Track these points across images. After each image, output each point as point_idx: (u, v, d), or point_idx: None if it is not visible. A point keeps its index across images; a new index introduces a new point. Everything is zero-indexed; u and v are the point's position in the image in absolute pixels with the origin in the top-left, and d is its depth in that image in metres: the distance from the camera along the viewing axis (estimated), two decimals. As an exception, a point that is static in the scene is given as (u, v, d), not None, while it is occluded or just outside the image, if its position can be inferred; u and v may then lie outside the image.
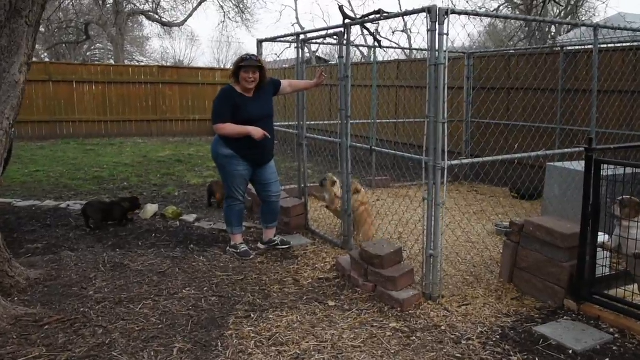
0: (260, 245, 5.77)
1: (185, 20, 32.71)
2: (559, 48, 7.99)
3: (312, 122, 9.12)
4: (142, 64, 33.44)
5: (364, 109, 11.30)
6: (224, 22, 38.45)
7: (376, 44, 4.94)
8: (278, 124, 7.44)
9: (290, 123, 7.31)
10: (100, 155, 12.65)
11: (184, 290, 4.66)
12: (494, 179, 7.81)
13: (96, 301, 4.41)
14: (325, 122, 8.83)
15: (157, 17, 32.00)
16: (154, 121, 17.07)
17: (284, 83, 5.57)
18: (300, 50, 6.06)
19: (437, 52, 3.99)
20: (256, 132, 5.15)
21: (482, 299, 4.41)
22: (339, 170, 5.74)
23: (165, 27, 33.45)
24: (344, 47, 5.15)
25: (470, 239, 6.02)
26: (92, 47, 40.01)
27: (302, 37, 6.00)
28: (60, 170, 10.48)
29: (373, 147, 4.89)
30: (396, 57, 13.61)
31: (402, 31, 31.78)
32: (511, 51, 9.02)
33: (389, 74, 11.63)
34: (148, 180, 9.59)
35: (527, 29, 27.33)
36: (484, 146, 8.79)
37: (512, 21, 30.02)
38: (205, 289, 4.71)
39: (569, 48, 7.98)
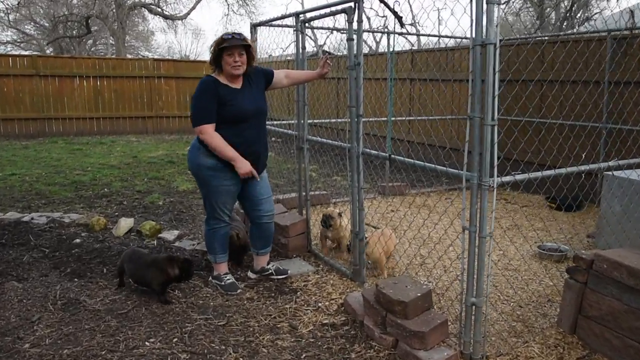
0: (250, 275, 4.68)
1: (188, 13, 31.69)
2: (605, 33, 6.82)
3: (317, 120, 7.99)
4: (136, 57, 32.19)
5: (372, 104, 10.15)
6: (227, 14, 37.23)
7: (396, 22, 3.82)
8: (276, 122, 6.37)
9: (290, 122, 6.19)
10: (87, 156, 11.59)
11: (146, 342, 3.58)
12: (525, 185, 6.71)
13: (29, 360, 3.35)
14: (332, 120, 7.72)
15: (159, 10, 30.98)
16: (149, 118, 16.00)
17: (279, 73, 4.43)
18: (300, 34, 4.95)
19: (484, 27, 2.88)
20: (244, 166, 4.08)
21: (538, 359, 3.30)
22: (344, 174, 4.64)
23: (167, 21, 32.44)
24: (355, 26, 4.04)
25: (509, 264, 4.90)
26: (97, 42, 39.00)
27: (302, 17, 4.88)
28: (37, 174, 9.42)
29: (392, 156, 3.78)
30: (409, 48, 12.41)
31: (411, 24, 30.51)
32: (545, 38, 7.86)
33: (404, 65, 10.48)
34: (132, 186, 8.51)
35: (538, 21, 26.07)
36: (512, 147, 7.65)
37: (522, 16, 28.80)
38: (175, 339, 3.62)
39: (618, 33, 6.79)
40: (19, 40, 36.07)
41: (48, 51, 34.00)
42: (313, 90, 11.86)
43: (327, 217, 4.99)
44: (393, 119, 7.54)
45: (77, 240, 5.62)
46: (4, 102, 14.27)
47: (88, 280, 4.62)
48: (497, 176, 3.01)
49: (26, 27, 35.42)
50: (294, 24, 5.04)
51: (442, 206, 6.84)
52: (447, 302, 4.07)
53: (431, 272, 4.69)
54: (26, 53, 29.28)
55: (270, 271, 4.61)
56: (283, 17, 5.31)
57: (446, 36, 8.06)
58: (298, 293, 4.36)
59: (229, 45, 3.94)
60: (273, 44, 5.88)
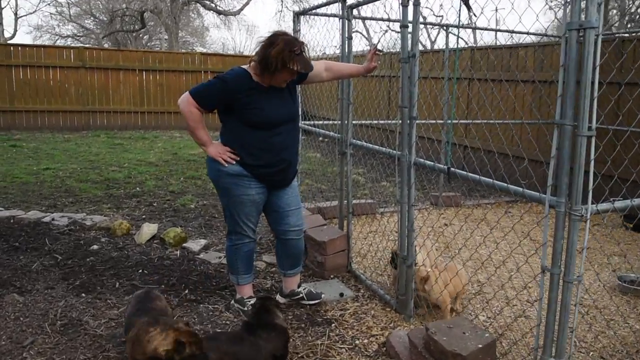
0: (279, 299, 4.03)
1: (242, 9, 31.57)
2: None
3: (364, 121, 7.30)
4: (183, 50, 32.02)
5: (428, 105, 9.34)
6: (281, 11, 36.95)
7: (462, 6, 3.13)
8: (319, 122, 5.73)
9: (335, 122, 5.48)
10: (126, 151, 11.23)
11: (147, 383, 2.99)
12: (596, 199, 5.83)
13: (6, 400, 2.81)
14: (381, 122, 7.01)
15: (212, 5, 30.89)
16: (194, 113, 15.61)
17: (318, 65, 3.72)
18: (347, 22, 4.29)
19: (582, 7, 2.17)
20: (215, 153, 3.50)
21: None
22: (393, 179, 3.94)
23: (221, 16, 32.35)
24: (410, 12, 3.36)
25: (584, 300, 4.12)
26: (153, 38, 39.28)
27: (349, 2, 4.23)
28: (72, 169, 9.06)
29: (452, 169, 3.08)
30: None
31: (468, 25, 29.27)
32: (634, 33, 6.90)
33: (467, 62, 9.63)
34: (166, 186, 8.02)
35: (615, 20, 24.60)
36: (612, 165, 6.73)
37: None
38: (182, 380, 3.03)
39: None
40: (78, 34, 36.67)
41: (105, 45, 34.37)
42: (360, 87, 11.16)
43: (393, 258, 4.03)
44: (454, 121, 6.74)
45: (95, 247, 5.12)
46: (50, 94, 14.14)
47: (96, 297, 4.08)
48: (592, 203, 2.29)
49: (86, 21, 35.97)
50: (340, 11, 4.40)
51: (509, 223, 6.07)
52: (511, 343, 3.35)
53: (495, 316, 3.96)
54: (73, 45, 29.37)
55: (301, 295, 3.96)
56: (328, 3, 4.66)
57: (526, 32, 7.20)
58: (332, 325, 3.70)
59: (300, 70, 3.34)
60: (319, 36, 5.23)
